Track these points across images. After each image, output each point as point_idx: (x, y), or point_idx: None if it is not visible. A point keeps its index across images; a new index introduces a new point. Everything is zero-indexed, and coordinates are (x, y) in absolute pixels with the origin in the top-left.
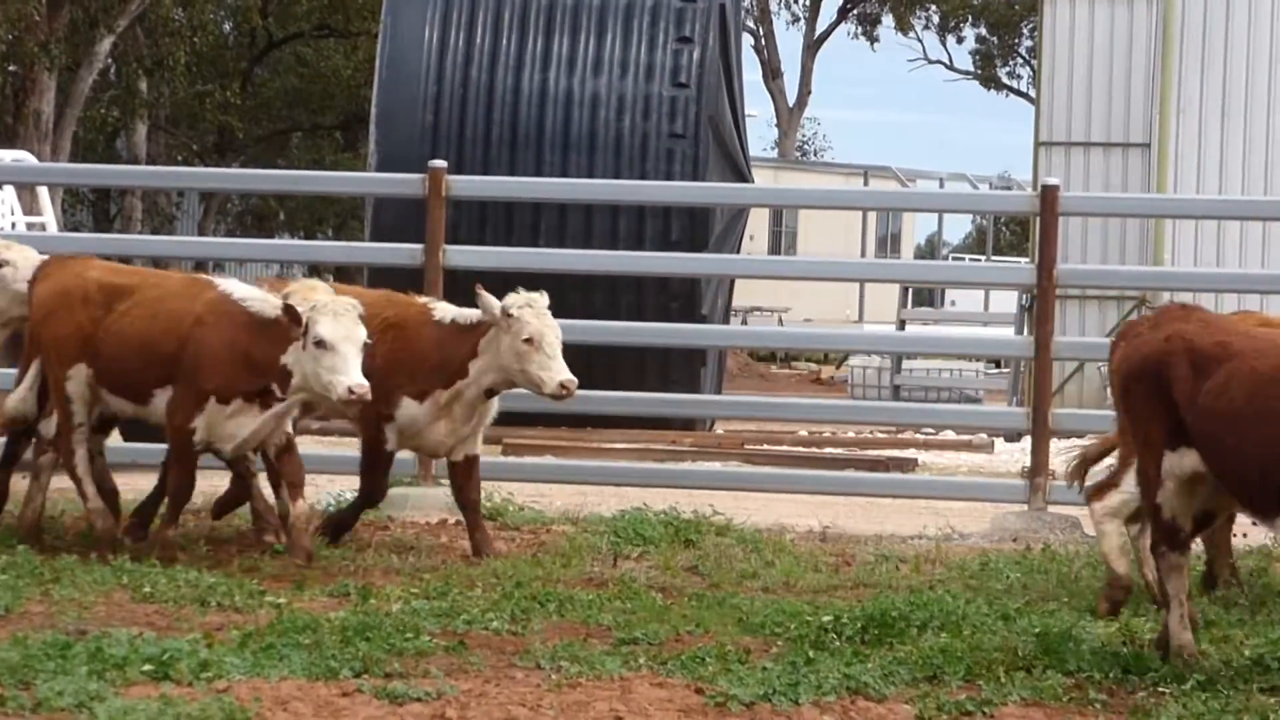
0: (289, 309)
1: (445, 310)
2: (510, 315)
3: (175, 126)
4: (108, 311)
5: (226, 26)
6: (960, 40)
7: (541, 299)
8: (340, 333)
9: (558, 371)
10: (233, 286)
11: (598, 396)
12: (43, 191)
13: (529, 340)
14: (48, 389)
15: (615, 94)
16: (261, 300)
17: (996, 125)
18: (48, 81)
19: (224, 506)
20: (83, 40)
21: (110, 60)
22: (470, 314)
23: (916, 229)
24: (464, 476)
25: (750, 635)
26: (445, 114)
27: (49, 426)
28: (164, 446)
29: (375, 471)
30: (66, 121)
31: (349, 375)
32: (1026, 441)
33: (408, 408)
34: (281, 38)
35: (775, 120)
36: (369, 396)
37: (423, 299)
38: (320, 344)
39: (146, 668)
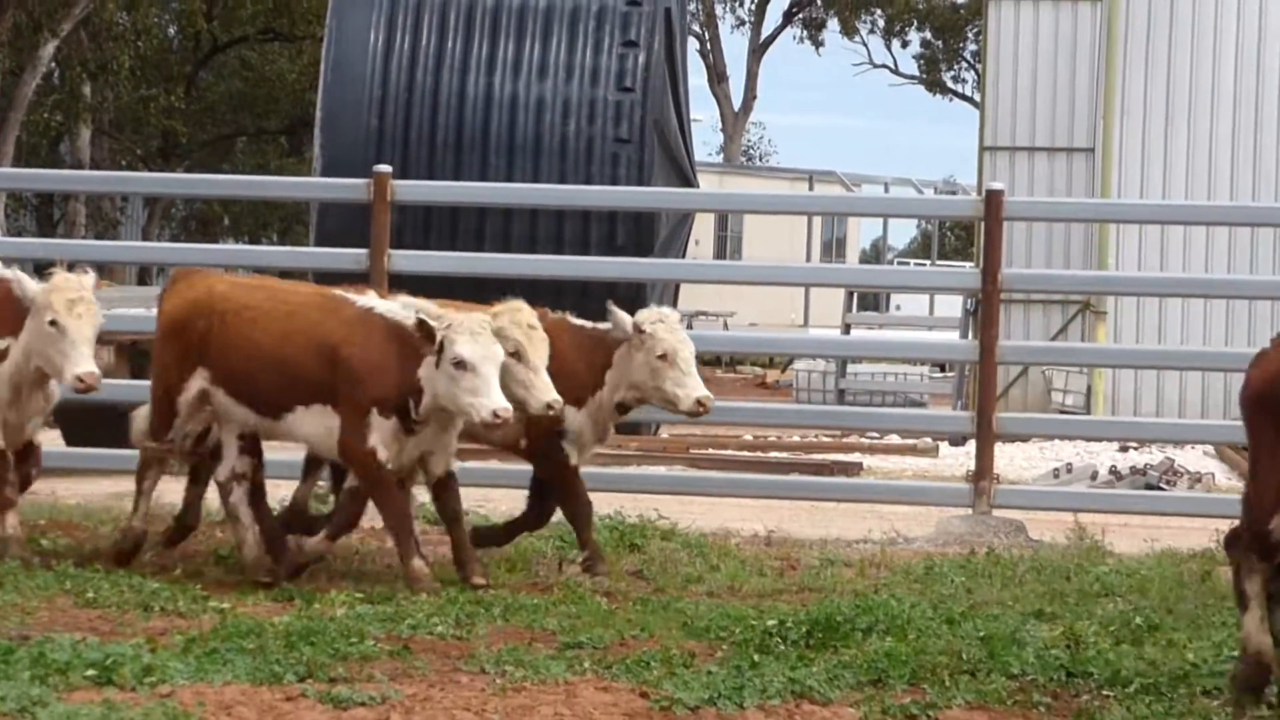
0: (422, 324)
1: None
2: (643, 331)
3: (119, 131)
4: (234, 327)
5: (171, 30)
6: (905, 44)
7: (673, 314)
8: (480, 353)
9: (693, 388)
10: (370, 300)
11: None
12: None
13: (663, 356)
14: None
15: (560, 98)
16: (403, 311)
17: (941, 130)
18: None
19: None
20: (26, 44)
21: (54, 64)
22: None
23: (861, 234)
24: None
25: (695, 639)
26: (390, 118)
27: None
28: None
29: (574, 496)
30: (9, 126)
31: (491, 398)
32: (971, 445)
33: (573, 418)
34: (226, 42)
35: (720, 125)
36: (512, 419)
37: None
38: (460, 364)
39: (90, 673)
